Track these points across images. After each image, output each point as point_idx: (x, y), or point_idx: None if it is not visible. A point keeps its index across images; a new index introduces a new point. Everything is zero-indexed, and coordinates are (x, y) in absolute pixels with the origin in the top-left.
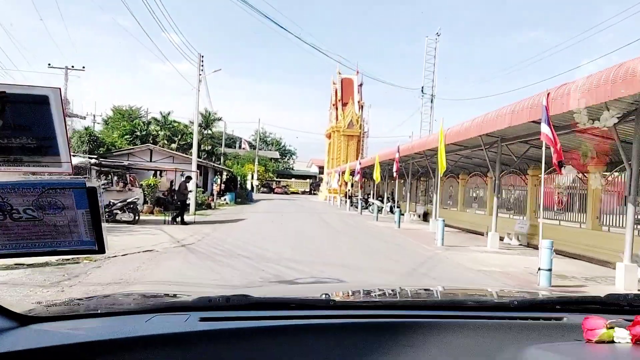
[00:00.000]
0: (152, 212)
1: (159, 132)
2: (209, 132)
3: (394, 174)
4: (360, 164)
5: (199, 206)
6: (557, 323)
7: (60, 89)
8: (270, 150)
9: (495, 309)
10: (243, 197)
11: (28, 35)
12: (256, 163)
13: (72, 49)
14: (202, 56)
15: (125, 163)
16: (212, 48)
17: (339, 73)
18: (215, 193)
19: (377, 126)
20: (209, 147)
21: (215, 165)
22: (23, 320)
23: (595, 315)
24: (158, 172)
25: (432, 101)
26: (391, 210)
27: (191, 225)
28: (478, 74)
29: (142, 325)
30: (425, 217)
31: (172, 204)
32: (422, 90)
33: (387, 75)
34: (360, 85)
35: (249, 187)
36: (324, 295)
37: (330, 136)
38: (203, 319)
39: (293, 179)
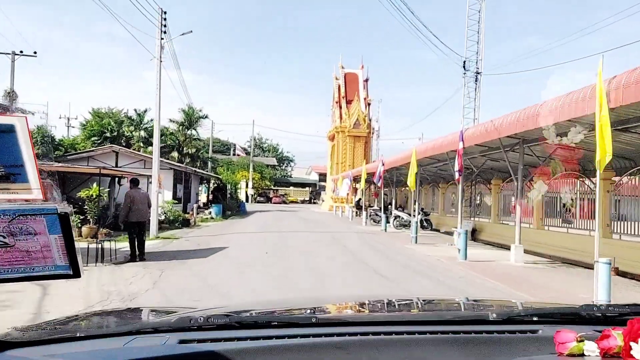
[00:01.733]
0: (94, 236)
1: (134, 133)
2: (193, 132)
3: (457, 175)
4: (383, 164)
5: (171, 224)
6: (533, 336)
7: (26, 117)
8: (266, 156)
9: (473, 322)
10: (234, 209)
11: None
12: (251, 169)
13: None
14: (165, 12)
15: (56, 165)
16: (209, 52)
17: (342, 67)
18: (195, 206)
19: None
20: (193, 151)
21: (200, 171)
22: None
23: (569, 327)
24: (117, 179)
25: (476, 80)
26: (421, 225)
27: (127, 266)
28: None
29: (120, 350)
30: (473, 235)
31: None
32: (463, 66)
33: (402, 73)
34: (366, 80)
35: (242, 197)
36: (307, 312)
37: (334, 138)
38: (182, 341)
39: (292, 187)
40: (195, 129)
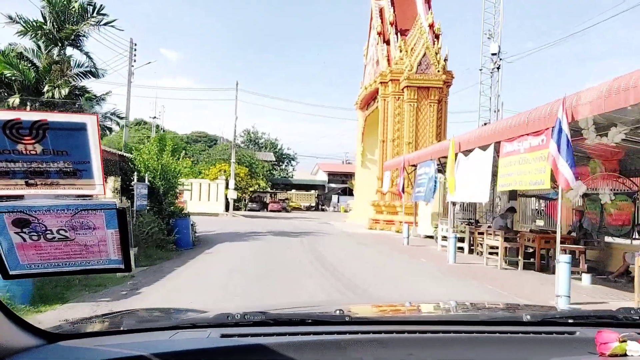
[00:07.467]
0: None
1: None
2: (72, 53)
3: None
4: None
5: None
6: (570, 337)
7: (97, 115)
8: (261, 152)
9: (508, 323)
10: (153, 239)
11: None
12: (233, 157)
13: None
14: None
15: None
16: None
17: None
18: None
19: None
20: (66, 93)
21: None
22: (50, 337)
23: (608, 329)
24: None
25: None
26: None
27: None
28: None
29: (166, 342)
30: None
31: None
32: None
33: None
34: None
35: (198, 204)
36: (338, 311)
37: (372, 101)
38: (224, 335)
39: (294, 190)
40: (76, 46)
